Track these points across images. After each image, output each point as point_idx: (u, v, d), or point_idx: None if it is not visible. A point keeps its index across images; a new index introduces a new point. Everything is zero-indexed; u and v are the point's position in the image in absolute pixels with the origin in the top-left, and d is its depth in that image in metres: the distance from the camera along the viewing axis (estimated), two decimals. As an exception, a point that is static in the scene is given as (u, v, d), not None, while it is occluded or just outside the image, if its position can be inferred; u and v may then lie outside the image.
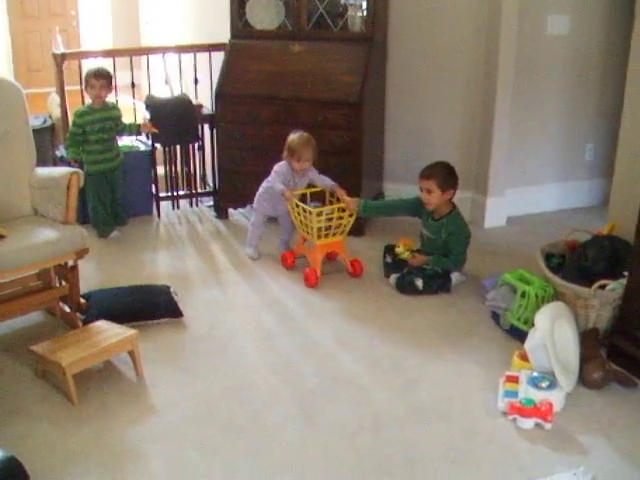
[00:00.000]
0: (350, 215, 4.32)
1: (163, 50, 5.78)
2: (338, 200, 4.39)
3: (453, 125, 5.30)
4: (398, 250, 4.32)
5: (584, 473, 2.69)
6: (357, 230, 4.76)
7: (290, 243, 4.72)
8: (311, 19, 5.02)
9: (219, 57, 5.24)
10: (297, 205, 4.31)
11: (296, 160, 4.43)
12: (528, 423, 2.97)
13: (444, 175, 4.19)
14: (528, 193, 5.50)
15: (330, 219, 4.25)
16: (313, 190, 4.52)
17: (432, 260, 4.25)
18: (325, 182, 4.51)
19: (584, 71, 5.38)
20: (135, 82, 5.41)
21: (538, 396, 3.02)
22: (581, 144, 5.59)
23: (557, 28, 5.16)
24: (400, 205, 4.58)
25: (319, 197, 4.54)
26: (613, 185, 4.22)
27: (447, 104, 5.28)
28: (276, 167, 4.53)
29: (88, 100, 4.89)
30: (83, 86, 4.94)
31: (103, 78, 4.77)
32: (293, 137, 4.46)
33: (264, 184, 4.60)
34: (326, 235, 4.30)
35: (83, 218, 4.82)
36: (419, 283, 4.15)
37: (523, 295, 3.63)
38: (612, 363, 3.34)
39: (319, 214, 4.20)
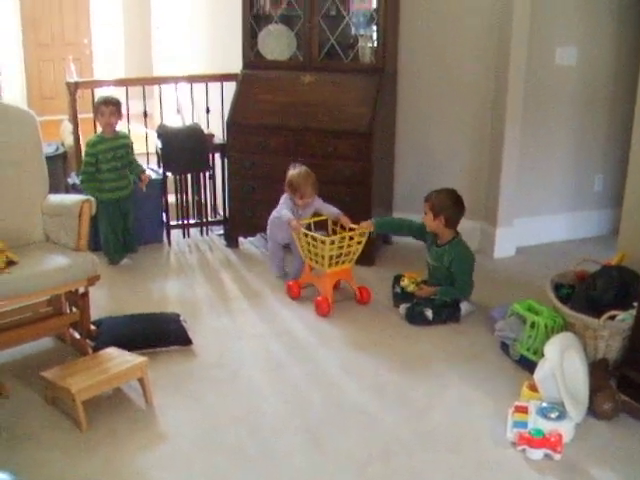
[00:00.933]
0: (359, 243, 4.34)
1: (175, 80, 5.85)
2: (342, 228, 4.41)
3: (462, 155, 5.33)
4: (403, 284, 4.34)
5: (594, 505, 2.68)
6: (367, 259, 4.78)
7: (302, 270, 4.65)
8: (322, 50, 5.07)
9: (231, 87, 5.29)
10: (306, 235, 4.33)
11: (299, 197, 4.50)
12: (537, 454, 2.96)
13: (438, 200, 4.22)
14: (537, 223, 5.50)
15: (341, 247, 4.28)
16: (317, 219, 4.55)
17: (439, 290, 4.25)
18: (330, 210, 4.54)
19: (592, 101, 5.41)
20: (147, 111, 5.47)
21: (547, 427, 3.01)
22: (590, 174, 5.61)
23: (565, 59, 5.20)
24: (409, 224, 4.52)
25: (322, 225, 4.57)
26: (622, 215, 4.22)
27: (456, 135, 5.31)
28: (282, 199, 4.60)
29: (100, 129, 4.94)
30: (93, 115, 4.99)
31: (112, 105, 4.83)
32: (293, 173, 4.51)
33: (273, 213, 4.64)
34: (336, 263, 4.32)
35: (94, 245, 4.85)
36: (429, 313, 4.15)
37: (532, 325, 3.62)
38: (622, 394, 3.32)
39: (332, 242, 4.22)
